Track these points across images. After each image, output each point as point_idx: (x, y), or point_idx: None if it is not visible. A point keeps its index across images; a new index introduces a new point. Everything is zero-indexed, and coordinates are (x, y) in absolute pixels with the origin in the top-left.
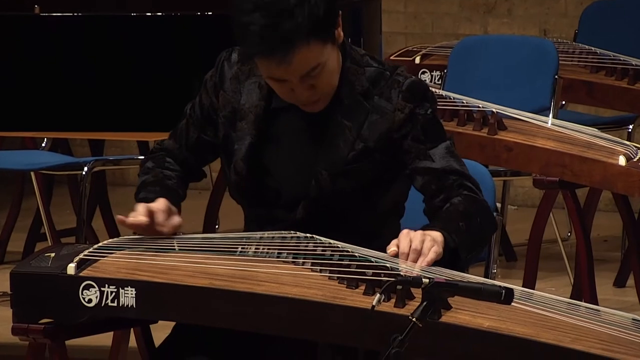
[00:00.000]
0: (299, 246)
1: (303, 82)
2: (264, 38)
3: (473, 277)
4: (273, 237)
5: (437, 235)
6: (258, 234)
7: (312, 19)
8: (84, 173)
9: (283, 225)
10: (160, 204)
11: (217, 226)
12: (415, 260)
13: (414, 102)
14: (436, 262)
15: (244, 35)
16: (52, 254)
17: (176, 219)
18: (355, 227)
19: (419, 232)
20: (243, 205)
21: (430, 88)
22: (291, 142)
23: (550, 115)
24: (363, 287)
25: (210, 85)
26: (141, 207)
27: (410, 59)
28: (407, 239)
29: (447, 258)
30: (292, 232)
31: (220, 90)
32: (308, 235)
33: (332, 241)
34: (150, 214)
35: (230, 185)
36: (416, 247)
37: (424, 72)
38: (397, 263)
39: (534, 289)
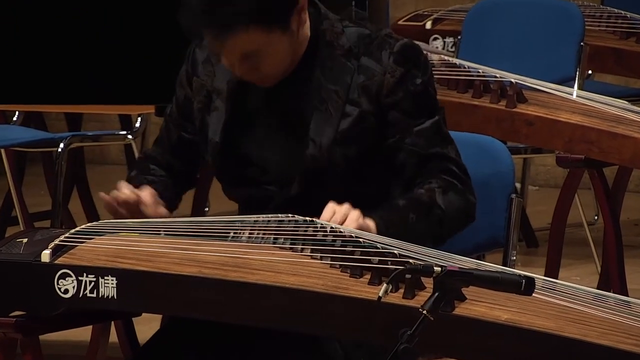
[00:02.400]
0: (297, 231)
1: (242, 63)
2: (202, 13)
3: (490, 265)
4: (269, 221)
5: (370, 223)
6: (252, 218)
7: (255, 5)
8: (59, 150)
9: (277, 205)
10: (146, 189)
11: (207, 209)
12: None
13: (406, 65)
14: None
15: (183, 7)
16: (25, 240)
17: (162, 209)
18: (357, 202)
19: (347, 206)
20: (229, 190)
21: (426, 53)
22: (273, 113)
23: (575, 86)
24: (368, 276)
25: (183, 77)
26: (124, 185)
27: (421, 23)
28: (331, 211)
29: None
30: (289, 215)
31: (194, 77)
32: (307, 218)
33: (334, 225)
34: (135, 194)
35: (213, 170)
36: (335, 219)
37: (435, 39)
38: (407, 250)
39: (557, 278)
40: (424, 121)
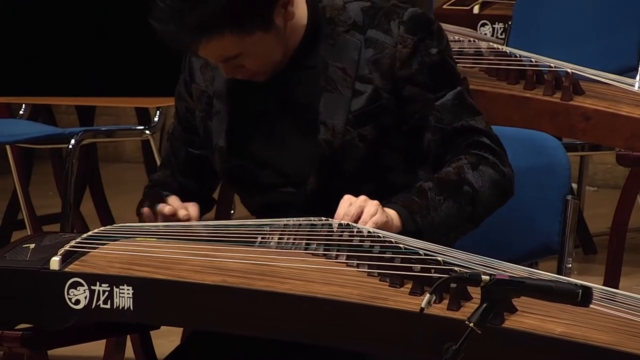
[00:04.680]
0: (331, 235)
1: (225, 64)
2: (170, 20)
3: (543, 274)
4: (300, 225)
5: (391, 213)
6: (282, 221)
7: (228, 9)
8: (70, 147)
9: (297, 207)
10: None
11: (232, 211)
12: None
13: (419, 34)
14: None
15: (154, 8)
16: (32, 245)
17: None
18: (383, 193)
19: (363, 198)
20: (245, 201)
21: (473, 40)
22: (278, 106)
23: (638, 77)
24: (409, 286)
25: (182, 88)
26: (174, 199)
27: (467, 8)
28: (347, 203)
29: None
30: (323, 218)
31: (192, 84)
32: (343, 222)
33: (372, 229)
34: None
35: (221, 177)
36: (348, 213)
37: (483, 25)
38: (452, 256)
39: (617, 287)
40: (445, 93)
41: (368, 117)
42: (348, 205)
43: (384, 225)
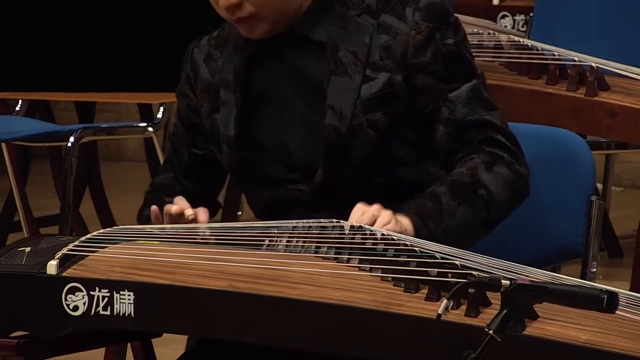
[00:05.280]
0: (343, 238)
1: None
2: None
3: (566, 278)
4: (310, 227)
5: (405, 221)
6: (291, 223)
7: None
8: (69, 145)
9: (305, 204)
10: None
11: (239, 213)
12: None
13: (435, 23)
14: None
15: None
16: (28, 249)
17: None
18: (394, 189)
19: (376, 207)
20: (252, 197)
21: (492, 32)
22: (287, 91)
23: None
24: (425, 291)
25: (184, 84)
26: (180, 199)
27: None
28: (360, 212)
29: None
30: (333, 220)
31: (198, 79)
32: (355, 224)
33: (385, 232)
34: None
35: (229, 171)
36: (361, 221)
37: (504, 16)
38: (470, 260)
39: None
40: (460, 85)
41: (378, 104)
42: (361, 214)
43: (394, 229)
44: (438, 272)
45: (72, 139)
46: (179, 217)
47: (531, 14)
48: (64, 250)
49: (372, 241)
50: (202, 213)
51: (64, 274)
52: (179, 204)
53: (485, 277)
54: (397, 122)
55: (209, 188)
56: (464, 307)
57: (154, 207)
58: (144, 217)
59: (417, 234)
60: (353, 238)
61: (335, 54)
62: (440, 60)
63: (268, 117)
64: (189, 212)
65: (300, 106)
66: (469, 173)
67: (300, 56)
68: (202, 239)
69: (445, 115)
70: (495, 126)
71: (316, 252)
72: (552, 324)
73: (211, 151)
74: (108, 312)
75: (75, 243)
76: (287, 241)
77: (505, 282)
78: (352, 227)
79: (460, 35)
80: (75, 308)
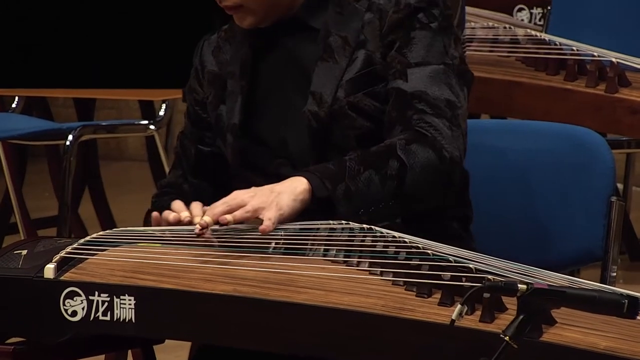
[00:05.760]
0: (352, 240)
1: None
2: None
3: (585, 282)
4: (318, 229)
5: (297, 182)
6: (297, 224)
7: None
8: (68, 143)
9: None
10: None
11: None
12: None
13: (420, 3)
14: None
15: None
16: (25, 252)
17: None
18: None
19: (241, 192)
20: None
21: (509, 27)
22: (287, 81)
23: None
24: (438, 296)
25: (193, 79)
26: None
27: None
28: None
29: (322, 207)
30: (343, 222)
31: (204, 70)
32: (365, 226)
33: (396, 234)
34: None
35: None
36: (224, 204)
37: (520, 10)
38: (485, 263)
39: None
40: (427, 64)
41: (359, 84)
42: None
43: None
44: (451, 275)
45: (70, 137)
46: (178, 224)
47: (549, 7)
48: (62, 253)
49: (383, 243)
50: (195, 207)
51: (62, 278)
52: (175, 209)
53: (501, 281)
54: (383, 103)
55: (217, 186)
56: (478, 313)
57: (154, 214)
58: (150, 222)
59: (313, 194)
60: (363, 240)
61: (326, 39)
62: (411, 35)
63: (270, 112)
64: (184, 215)
65: (298, 99)
66: (386, 144)
67: (300, 45)
68: (205, 241)
69: (395, 86)
70: (435, 106)
71: (324, 255)
72: (571, 330)
73: (217, 148)
74: (108, 318)
75: (74, 246)
76: (295, 243)
77: (521, 286)
78: (362, 228)
79: (445, 19)
80: (74, 313)
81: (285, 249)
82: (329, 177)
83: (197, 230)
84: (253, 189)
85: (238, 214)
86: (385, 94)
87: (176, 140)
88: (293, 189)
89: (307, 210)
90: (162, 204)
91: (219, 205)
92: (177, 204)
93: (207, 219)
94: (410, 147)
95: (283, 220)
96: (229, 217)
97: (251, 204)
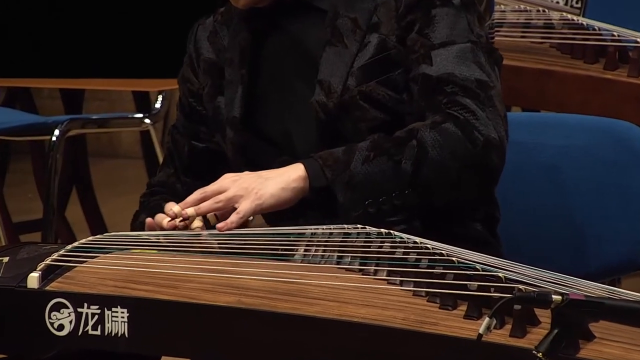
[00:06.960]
0: (369, 247)
1: None
2: None
3: (627, 293)
4: (331, 234)
5: (293, 169)
6: (308, 229)
7: None
8: (54, 139)
9: (309, 201)
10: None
11: (251, 218)
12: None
13: None
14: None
15: None
16: (6, 259)
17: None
18: None
19: (227, 177)
20: None
21: (542, 10)
22: (290, 69)
23: None
24: (464, 308)
25: (187, 68)
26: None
27: None
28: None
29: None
30: (358, 226)
31: (200, 58)
32: (383, 230)
33: (418, 239)
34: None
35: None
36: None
37: None
38: (516, 272)
39: None
40: (452, 44)
41: (372, 71)
42: (200, 193)
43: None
44: (479, 285)
45: (57, 132)
46: (174, 229)
47: None
48: (48, 261)
49: (402, 250)
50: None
51: (47, 288)
52: (170, 212)
53: (533, 291)
54: (399, 92)
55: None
56: (508, 327)
57: (148, 220)
58: (138, 224)
59: (311, 182)
60: (381, 246)
61: (334, 22)
62: (432, 15)
63: (273, 103)
64: (177, 220)
65: (304, 89)
66: (409, 128)
67: (305, 28)
68: (206, 247)
69: (419, 72)
70: (466, 88)
71: (338, 263)
72: (611, 345)
73: (214, 144)
74: (98, 332)
75: (61, 252)
76: (305, 250)
77: (556, 297)
78: (379, 233)
79: (472, 5)
80: (61, 327)
81: (296, 256)
82: (332, 164)
83: (165, 223)
84: (243, 173)
85: (205, 205)
86: (403, 82)
87: (167, 135)
88: (286, 176)
89: (307, 201)
90: (151, 205)
91: (195, 193)
92: (172, 206)
93: (175, 208)
94: (434, 130)
95: (262, 211)
96: (190, 210)
97: (226, 193)
